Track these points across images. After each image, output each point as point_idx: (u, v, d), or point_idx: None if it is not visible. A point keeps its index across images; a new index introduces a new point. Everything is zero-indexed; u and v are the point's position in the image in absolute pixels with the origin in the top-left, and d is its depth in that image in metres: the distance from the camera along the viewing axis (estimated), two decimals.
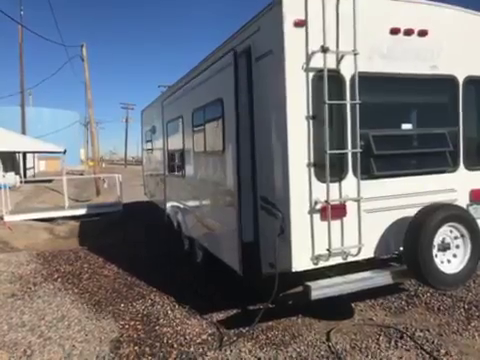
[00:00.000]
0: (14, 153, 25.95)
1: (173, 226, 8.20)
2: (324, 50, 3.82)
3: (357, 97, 3.98)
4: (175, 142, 7.60)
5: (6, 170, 21.45)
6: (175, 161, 7.83)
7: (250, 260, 4.50)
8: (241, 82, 4.47)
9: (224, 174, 4.92)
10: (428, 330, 4.36)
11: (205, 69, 5.52)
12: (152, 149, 10.72)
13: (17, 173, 24.39)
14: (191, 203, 6.85)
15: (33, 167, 34.42)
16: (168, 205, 8.81)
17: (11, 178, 20.33)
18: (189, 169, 6.73)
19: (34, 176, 30.51)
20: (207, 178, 5.75)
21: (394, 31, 4.17)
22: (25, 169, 28.93)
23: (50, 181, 22.48)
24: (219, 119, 4.98)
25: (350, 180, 4.06)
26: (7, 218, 12.10)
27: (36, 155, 35.82)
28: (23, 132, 27.75)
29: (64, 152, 18.27)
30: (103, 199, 17.18)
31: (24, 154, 27.94)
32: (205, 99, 5.55)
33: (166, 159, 8.61)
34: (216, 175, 5.32)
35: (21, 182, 22.25)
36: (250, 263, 4.49)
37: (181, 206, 7.55)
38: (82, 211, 13.35)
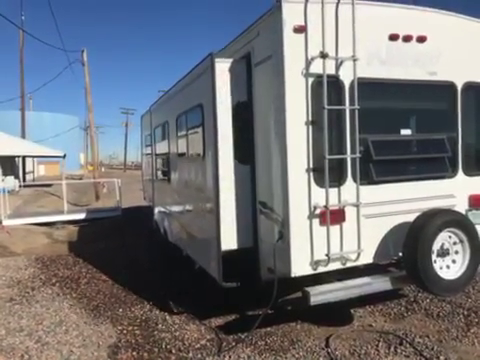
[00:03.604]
0: (13, 157, 25.94)
1: (160, 232, 8.18)
2: (323, 56, 3.84)
3: (356, 102, 3.99)
4: (162, 147, 7.61)
5: (5, 174, 21.41)
6: (161, 166, 7.84)
7: (246, 265, 4.50)
8: (240, 87, 4.48)
9: (204, 180, 4.90)
10: (428, 336, 4.34)
11: (188, 74, 5.53)
12: (149, 154, 10.78)
13: (16, 177, 24.36)
14: (175, 209, 6.83)
15: (32, 171, 34.38)
16: (155, 210, 8.81)
17: (10, 182, 20.30)
18: (173, 175, 6.73)
19: (33, 180, 30.45)
20: (189, 184, 5.74)
21: (393, 37, 4.19)
22: (24, 173, 28.87)
23: (49, 185, 22.43)
24: (199, 124, 4.97)
25: (349, 185, 4.06)
26: (6, 222, 12.09)
27: (35, 159, 35.80)
28: (23, 136, 27.75)
29: (64, 156, 18.25)
30: (102, 204, 17.17)
31: (23, 158, 27.92)
32: (187, 104, 5.54)
33: (154, 164, 8.63)
34: (197, 181, 5.30)
35: (20, 186, 22.21)
36: (246, 269, 4.49)
37: (166, 212, 7.53)
38: (81, 216, 13.34)
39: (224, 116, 4.42)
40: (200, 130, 4.98)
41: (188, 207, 5.96)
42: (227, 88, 4.45)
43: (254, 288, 4.58)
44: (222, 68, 4.39)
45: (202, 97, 4.77)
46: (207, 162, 4.75)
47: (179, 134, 6.15)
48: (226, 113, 4.45)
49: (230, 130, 4.49)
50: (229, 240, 4.44)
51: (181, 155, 6.06)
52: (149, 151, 10.98)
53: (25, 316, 5.30)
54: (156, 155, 8.35)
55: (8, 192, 14.41)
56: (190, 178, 5.70)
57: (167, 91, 7.13)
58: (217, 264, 4.32)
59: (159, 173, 8.17)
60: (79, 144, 58.79)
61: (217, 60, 4.33)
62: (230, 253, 4.42)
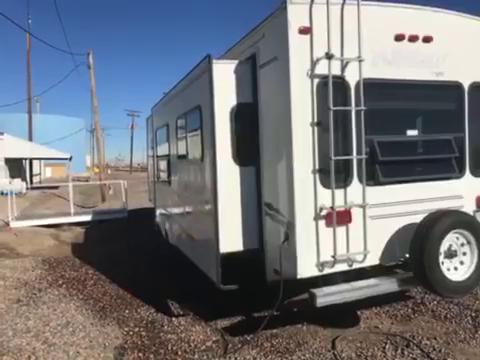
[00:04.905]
0: (21, 159, 26.16)
1: (162, 235, 8.20)
2: (329, 57, 3.83)
3: (362, 103, 3.98)
4: (162, 149, 7.61)
5: (13, 176, 21.62)
6: (162, 168, 7.84)
7: (249, 267, 4.48)
8: (242, 88, 4.48)
9: (203, 182, 4.88)
10: (435, 338, 4.31)
11: (187, 76, 5.52)
12: (152, 156, 10.84)
13: (23, 179, 24.57)
14: (176, 211, 6.83)
15: (39, 173, 34.67)
16: (157, 212, 8.83)
17: (17, 184, 20.48)
18: (174, 177, 6.73)
19: (40, 182, 30.71)
20: (189, 186, 5.73)
21: (399, 37, 4.18)
22: (31, 175, 29.15)
23: (56, 187, 22.61)
24: (198, 126, 4.96)
25: (355, 186, 4.05)
26: (13, 224, 12.18)
27: (42, 162, 36.12)
28: (30, 139, 27.99)
29: (70, 159, 18.40)
30: (109, 205, 17.24)
31: (30, 161, 28.16)
32: (186, 106, 5.53)
33: (155, 166, 8.66)
34: (196, 183, 5.28)
35: (27, 188, 22.40)
36: (249, 271, 4.47)
37: (167, 214, 7.54)
38: (88, 217, 13.41)
39: (222, 118, 4.41)
40: (199, 132, 4.97)
41: (188, 209, 5.96)
42: (226, 90, 4.42)
43: (257, 290, 4.58)
44: (220, 70, 4.36)
45: (200, 99, 4.76)
46: (206, 164, 4.74)
47: (179, 136, 6.16)
48: (224, 115, 4.44)
49: (228, 132, 4.48)
50: (229, 242, 4.40)
51: (181, 157, 6.07)
52: (152, 153, 11.04)
53: (32, 317, 5.33)
54: (157, 157, 8.37)
55: (15, 194, 14.52)
56: (190, 180, 5.71)
57: (167, 93, 7.14)
58: (216, 267, 4.28)
59: (160, 175, 8.19)
60: (85, 146, 59.28)
61: (215, 62, 4.31)
62: (232, 255, 4.41)
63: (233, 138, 4.50)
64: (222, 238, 4.28)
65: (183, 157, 5.88)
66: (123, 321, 5.14)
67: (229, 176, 4.47)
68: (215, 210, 4.29)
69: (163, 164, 7.68)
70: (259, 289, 4.56)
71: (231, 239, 4.45)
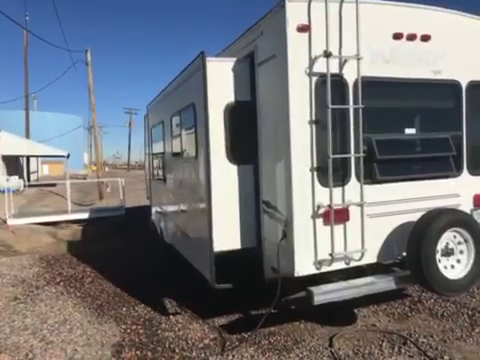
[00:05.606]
0: (18, 157, 26.07)
1: (157, 233, 8.20)
2: (327, 55, 3.83)
3: (360, 102, 3.98)
4: (158, 147, 7.61)
5: (10, 174, 21.55)
6: (157, 166, 7.84)
7: (246, 265, 4.48)
8: (239, 86, 4.47)
9: (197, 181, 4.87)
10: (432, 336, 4.33)
11: (181, 73, 5.51)
12: (149, 154, 10.83)
13: (21, 177, 24.49)
14: (170, 209, 6.83)
15: (36, 171, 34.55)
16: (152, 210, 8.84)
17: (15, 182, 20.41)
18: (168, 175, 6.73)
19: (37, 180, 30.61)
20: (183, 184, 5.73)
21: (397, 36, 4.18)
22: (29, 173, 29.03)
23: (53, 185, 22.55)
24: (192, 123, 4.94)
25: (353, 185, 4.05)
26: (10, 222, 12.14)
27: (39, 159, 35.97)
28: (27, 136, 27.87)
29: (67, 156, 18.31)
30: (106, 203, 17.22)
31: (28, 158, 28.06)
32: (181, 104, 5.51)
33: (151, 164, 8.66)
34: (191, 181, 5.27)
35: (25, 186, 22.34)
36: (246, 269, 4.47)
37: (162, 212, 7.55)
38: (85, 215, 13.39)
39: (216, 117, 4.40)
40: (193, 130, 4.96)
41: (183, 207, 5.95)
42: (220, 88, 4.41)
43: (253, 288, 4.58)
44: (214, 67, 4.32)
45: (194, 96, 4.74)
46: (200, 162, 4.73)
47: (173, 134, 6.15)
48: (218, 114, 4.43)
49: (222, 131, 4.47)
50: (224, 241, 4.40)
51: (175, 155, 6.06)
52: (148, 151, 11.02)
53: (29, 315, 5.32)
54: (153, 155, 8.37)
55: (13, 192, 14.48)
56: (184, 178, 5.70)
57: (162, 90, 7.12)
58: (209, 266, 4.27)
59: (155, 173, 8.18)
60: (83, 144, 59.15)
61: (208, 59, 4.28)
62: (227, 254, 4.40)
63: (227, 137, 4.50)
64: (216, 236, 4.26)
65: (178, 155, 5.87)
66: (120, 319, 5.14)
67: (223, 174, 4.45)
68: (209, 208, 4.27)
69: (158, 162, 7.68)
70: (254, 287, 4.57)
71: (227, 237, 4.45)
